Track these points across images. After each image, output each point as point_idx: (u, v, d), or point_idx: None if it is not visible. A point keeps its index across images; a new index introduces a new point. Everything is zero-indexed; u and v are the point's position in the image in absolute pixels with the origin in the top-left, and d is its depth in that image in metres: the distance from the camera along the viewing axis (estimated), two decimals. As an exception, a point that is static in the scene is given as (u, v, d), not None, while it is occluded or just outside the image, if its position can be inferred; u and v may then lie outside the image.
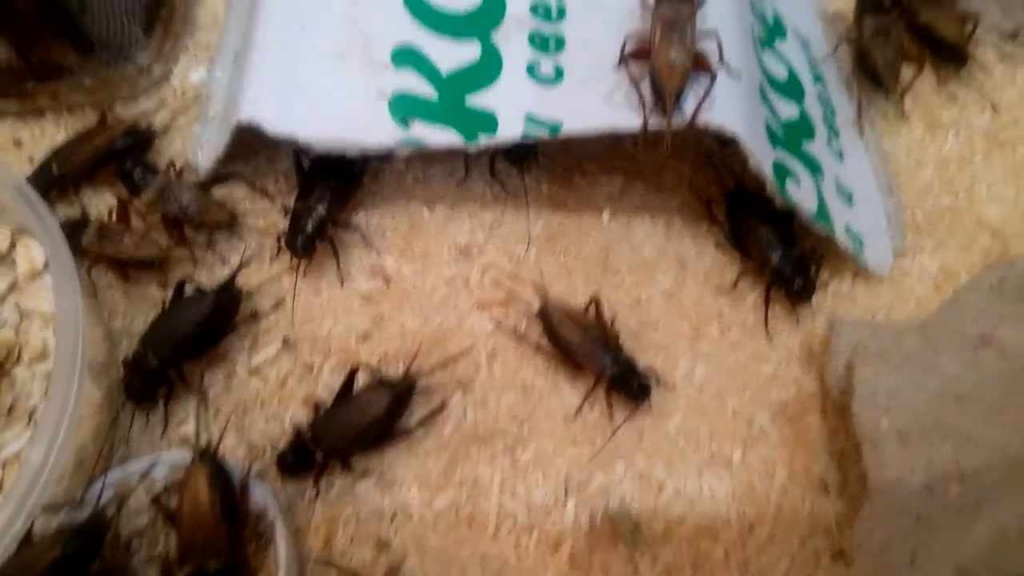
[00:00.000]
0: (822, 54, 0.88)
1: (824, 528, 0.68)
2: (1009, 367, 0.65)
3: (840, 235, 0.74)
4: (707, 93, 0.67)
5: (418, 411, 0.71)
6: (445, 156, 0.79)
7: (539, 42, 0.75)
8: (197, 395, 0.71)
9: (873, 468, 0.62)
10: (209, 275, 0.77)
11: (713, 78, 0.68)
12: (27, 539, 0.58)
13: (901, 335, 0.69)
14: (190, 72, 0.89)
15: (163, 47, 0.87)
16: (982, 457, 0.61)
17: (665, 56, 0.67)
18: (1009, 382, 0.65)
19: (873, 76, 0.86)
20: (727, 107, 0.69)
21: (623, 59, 0.69)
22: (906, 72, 0.88)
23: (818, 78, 0.85)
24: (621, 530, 0.67)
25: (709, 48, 0.70)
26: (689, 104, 0.68)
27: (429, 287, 0.77)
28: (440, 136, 0.72)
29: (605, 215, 0.81)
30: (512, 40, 0.75)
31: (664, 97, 0.67)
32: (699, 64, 0.68)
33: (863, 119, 0.85)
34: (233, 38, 0.85)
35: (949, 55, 0.89)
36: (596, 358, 0.70)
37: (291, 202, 0.76)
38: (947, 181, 0.84)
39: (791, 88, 0.81)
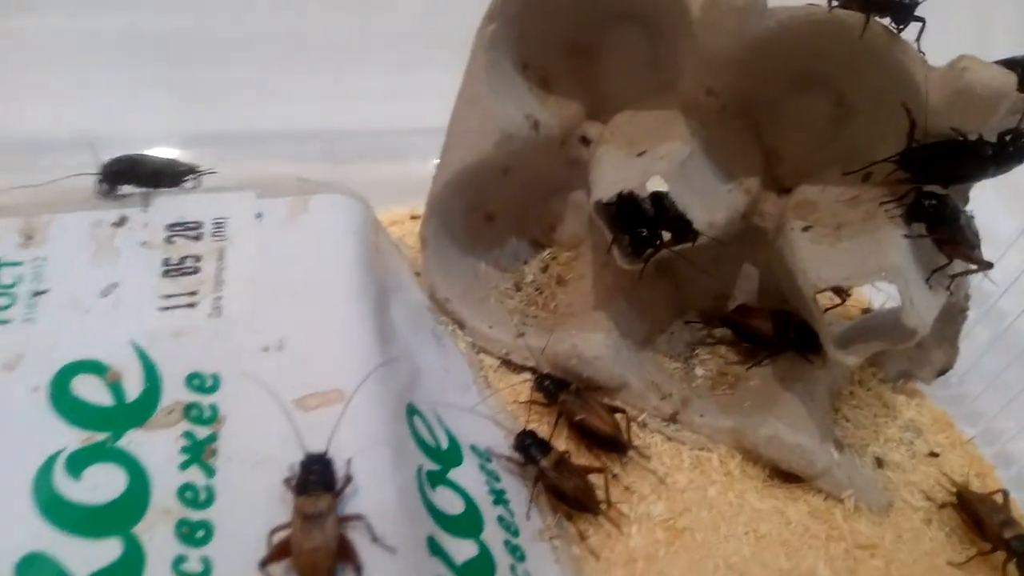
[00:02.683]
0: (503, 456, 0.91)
1: None
2: None
3: None
4: (358, 578, 0.65)
5: None
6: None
7: (186, 532, 0.70)
8: None
9: None
10: None
11: (360, 569, 0.66)
12: None
13: None
14: None
15: None
16: None
17: (307, 555, 0.64)
18: None
19: (563, 499, 0.88)
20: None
21: (267, 559, 0.66)
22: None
23: (499, 497, 0.86)
24: None
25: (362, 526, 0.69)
26: (346, 597, 0.65)
27: None
28: (68, 669, 0.63)
29: None
30: (157, 533, 0.70)
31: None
32: (345, 557, 0.66)
33: (554, 529, 0.87)
34: None
35: (610, 447, 0.95)
36: None
37: None
38: (637, 580, 0.86)
39: (468, 522, 0.81)
